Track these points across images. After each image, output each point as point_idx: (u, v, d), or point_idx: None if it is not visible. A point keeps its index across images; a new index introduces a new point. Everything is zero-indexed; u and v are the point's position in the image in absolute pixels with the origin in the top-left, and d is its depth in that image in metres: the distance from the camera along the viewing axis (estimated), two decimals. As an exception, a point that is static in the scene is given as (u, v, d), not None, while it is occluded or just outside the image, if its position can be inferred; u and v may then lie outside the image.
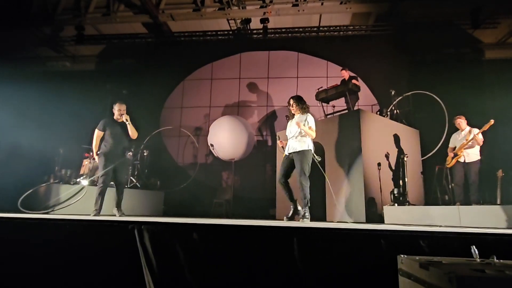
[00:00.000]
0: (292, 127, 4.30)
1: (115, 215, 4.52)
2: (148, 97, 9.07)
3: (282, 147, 4.44)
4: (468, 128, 5.39)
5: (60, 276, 2.27)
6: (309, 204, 4.00)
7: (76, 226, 2.42)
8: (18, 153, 6.83)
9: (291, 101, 4.33)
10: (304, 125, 4.14)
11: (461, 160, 5.26)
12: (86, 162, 5.92)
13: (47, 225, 2.48)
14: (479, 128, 5.15)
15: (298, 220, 4.03)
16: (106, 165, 4.45)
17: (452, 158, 5.39)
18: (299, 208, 4.10)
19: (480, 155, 5.21)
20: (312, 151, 4.13)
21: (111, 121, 4.68)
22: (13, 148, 6.84)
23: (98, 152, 4.62)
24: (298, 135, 4.16)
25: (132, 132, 4.68)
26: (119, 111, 4.67)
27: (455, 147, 5.44)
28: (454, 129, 5.65)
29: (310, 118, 4.22)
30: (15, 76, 7.89)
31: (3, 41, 8.09)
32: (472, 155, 5.22)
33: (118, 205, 4.61)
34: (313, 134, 4.17)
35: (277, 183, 4.20)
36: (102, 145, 4.61)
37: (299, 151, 4.09)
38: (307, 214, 3.98)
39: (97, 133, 4.64)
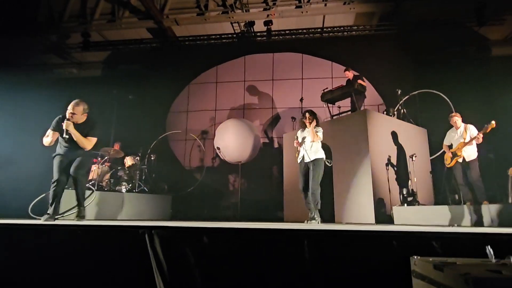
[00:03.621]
0: (306, 138, 4.57)
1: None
2: (154, 101, 9.13)
3: (297, 147, 4.65)
4: (463, 125, 5.02)
5: (71, 281, 2.28)
6: (319, 207, 4.31)
7: (87, 231, 2.43)
8: (28, 159, 6.90)
9: (307, 115, 4.57)
10: (317, 132, 4.47)
11: (460, 159, 5.01)
12: (94, 167, 5.97)
13: (58, 231, 2.51)
14: (472, 125, 4.89)
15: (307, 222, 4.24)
16: (59, 164, 3.71)
17: (452, 158, 5.19)
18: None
19: (478, 152, 4.87)
20: (324, 158, 4.48)
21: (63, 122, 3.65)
22: (22, 154, 6.92)
23: (53, 155, 3.74)
24: (313, 145, 4.46)
25: (81, 142, 3.57)
26: (69, 113, 3.59)
27: (451, 145, 5.14)
28: (449, 126, 5.23)
29: (319, 131, 4.53)
30: (23, 83, 7.99)
31: (10, 49, 8.21)
32: (471, 153, 4.88)
33: (79, 211, 3.73)
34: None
35: (300, 192, 4.52)
36: (57, 147, 3.81)
37: (314, 159, 4.41)
38: (317, 217, 4.26)
39: (51, 133, 3.71)
